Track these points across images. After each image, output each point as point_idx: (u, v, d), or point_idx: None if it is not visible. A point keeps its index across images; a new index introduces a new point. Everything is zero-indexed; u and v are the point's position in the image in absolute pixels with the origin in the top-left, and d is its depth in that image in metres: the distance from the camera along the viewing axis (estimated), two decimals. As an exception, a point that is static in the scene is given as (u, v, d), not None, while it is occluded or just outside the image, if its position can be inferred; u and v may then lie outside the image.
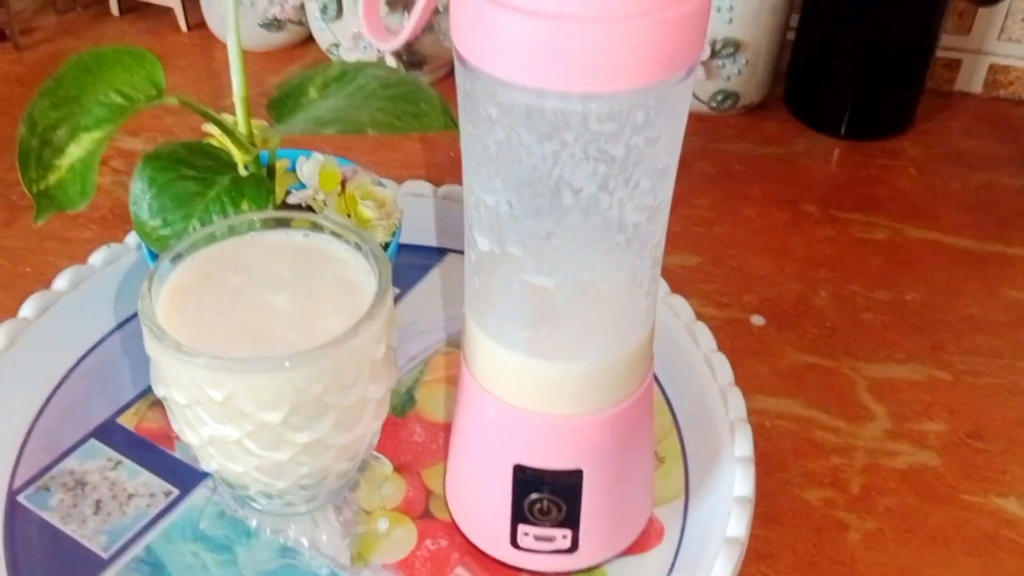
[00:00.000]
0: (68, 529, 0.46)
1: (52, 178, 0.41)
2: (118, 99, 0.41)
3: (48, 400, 0.51)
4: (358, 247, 0.42)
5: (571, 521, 0.43)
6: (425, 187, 0.63)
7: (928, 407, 0.55)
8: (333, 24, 0.74)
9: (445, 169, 0.70)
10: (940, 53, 0.80)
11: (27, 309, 0.53)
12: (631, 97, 0.32)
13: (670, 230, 0.37)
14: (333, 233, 0.42)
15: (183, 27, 0.84)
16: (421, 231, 0.62)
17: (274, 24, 0.80)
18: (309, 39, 0.82)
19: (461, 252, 0.40)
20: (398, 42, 0.39)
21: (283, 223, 0.43)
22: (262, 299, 0.40)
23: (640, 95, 0.32)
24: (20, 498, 0.47)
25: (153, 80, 0.42)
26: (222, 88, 0.78)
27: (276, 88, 0.46)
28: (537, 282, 0.37)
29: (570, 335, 0.38)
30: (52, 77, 0.41)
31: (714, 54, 0.73)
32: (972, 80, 0.82)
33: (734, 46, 0.73)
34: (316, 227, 0.43)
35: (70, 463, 0.49)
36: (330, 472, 0.42)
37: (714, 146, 0.74)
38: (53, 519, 0.47)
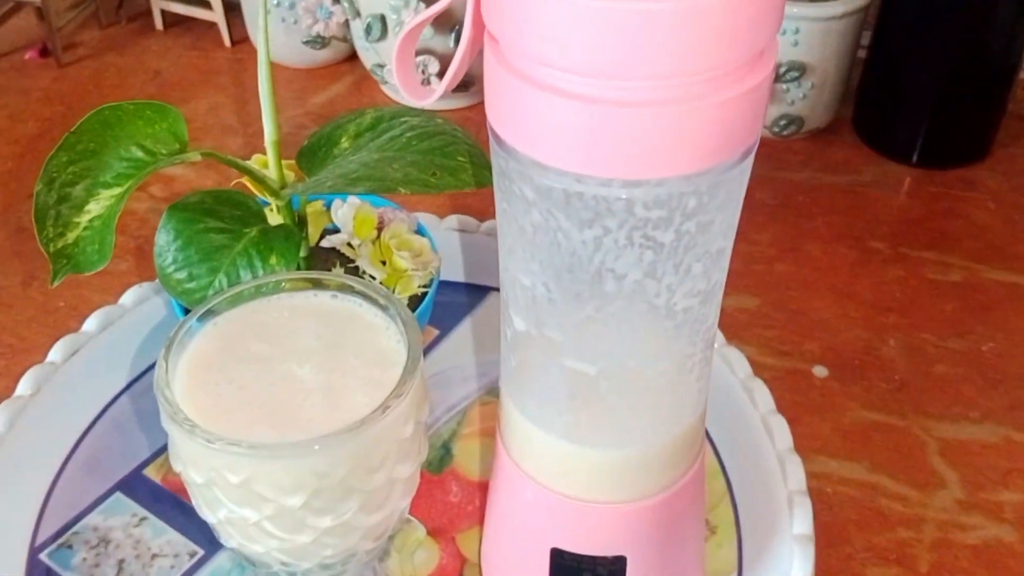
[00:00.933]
0: (89, 592, 0.45)
1: (70, 236, 0.39)
2: (140, 154, 0.39)
3: (74, 449, 0.50)
4: (387, 311, 0.39)
5: (613, 607, 0.40)
6: (468, 222, 0.61)
7: (1005, 474, 0.51)
8: (377, 44, 0.72)
9: (488, 201, 0.67)
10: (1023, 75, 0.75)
11: (55, 353, 0.52)
12: (681, 184, 0.28)
13: (730, 268, 0.34)
14: (363, 295, 0.40)
15: (227, 42, 0.82)
16: (463, 268, 0.59)
17: (318, 41, 0.78)
18: (353, 56, 0.80)
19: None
20: (433, 98, 0.36)
21: (310, 284, 0.41)
22: (286, 371, 0.37)
23: (691, 181, 0.29)
24: (42, 556, 0.46)
25: (176, 134, 0.39)
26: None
27: (307, 137, 0.44)
28: (577, 367, 0.34)
29: (613, 422, 0.35)
30: (71, 131, 0.39)
31: (778, 78, 0.69)
32: (1058, 102, 0.77)
33: (799, 69, 0.69)
34: (345, 288, 0.40)
35: (94, 518, 0.47)
36: (357, 551, 0.39)
37: (776, 174, 0.71)
38: (75, 580, 0.45)
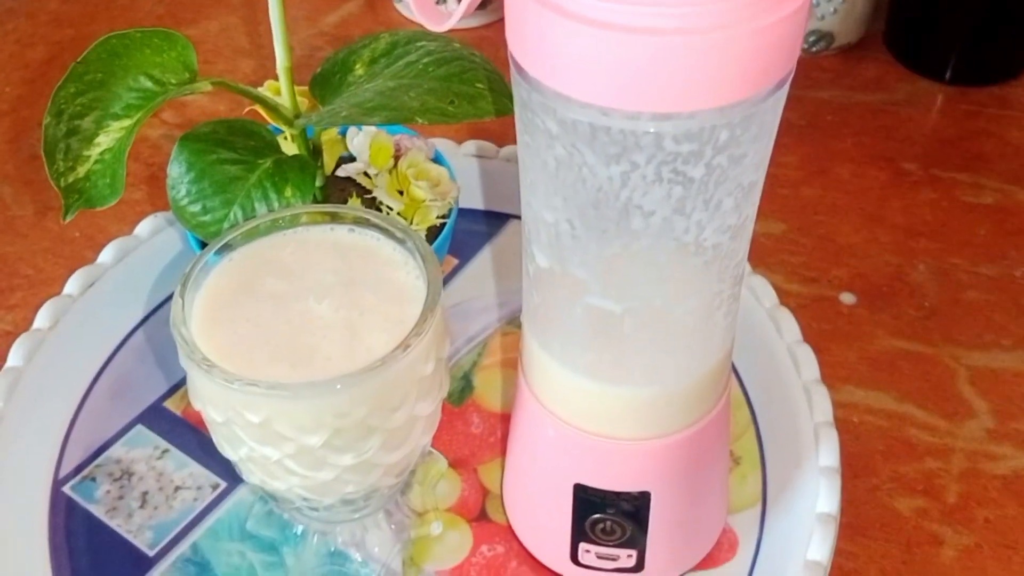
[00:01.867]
0: (114, 524, 0.45)
1: (81, 170, 0.38)
2: (149, 84, 0.38)
3: (94, 382, 0.49)
4: (405, 245, 0.38)
5: (636, 542, 0.40)
6: (487, 147, 0.59)
7: (1036, 403, 0.50)
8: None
9: (508, 125, 0.65)
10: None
11: (72, 285, 0.51)
12: (713, 116, 0.27)
13: None
14: (380, 229, 0.39)
15: (238, -40, 0.80)
16: (482, 194, 0.58)
17: (332, -43, 0.76)
18: (369, -27, 0.77)
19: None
20: (451, 23, 0.35)
21: (328, 217, 0.39)
22: (304, 308, 0.37)
23: (724, 113, 0.27)
24: (65, 488, 0.46)
25: (185, 62, 0.38)
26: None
27: (321, 63, 0.42)
28: (602, 306, 0.33)
29: (638, 361, 0.34)
30: (78, 61, 0.37)
31: (809, -8, 0.66)
32: (1099, 13, 0.74)
33: (831, -17, 0.66)
34: (362, 221, 0.39)
35: (117, 451, 0.47)
36: (378, 487, 0.39)
37: (804, 93, 0.68)
38: (99, 512, 0.45)
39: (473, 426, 0.49)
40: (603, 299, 0.32)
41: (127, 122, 0.38)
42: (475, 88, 0.39)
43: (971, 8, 0.67)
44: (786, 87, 0.29)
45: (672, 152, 0.28)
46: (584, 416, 0.37)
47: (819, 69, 0.70)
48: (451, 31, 0.41)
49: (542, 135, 0.29)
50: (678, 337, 0.34)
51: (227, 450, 0.37)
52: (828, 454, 0.44)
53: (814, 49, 0.70)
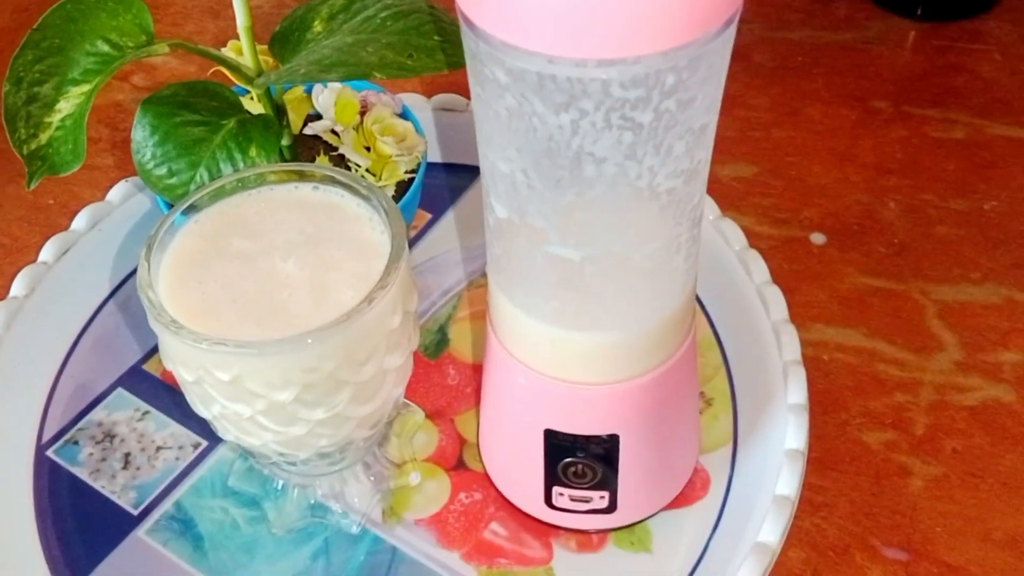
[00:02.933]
0: (98, 485, 0.45)
1: (43, 136, 0.38)
2: (106, 48, 0.38)
3: (72, 347, 0.50)
4: (369, 202, 0.38)
5: (608, 483, 0.41)
6: (456, 100, 0.59)
7: (1005, 334, 0.51)
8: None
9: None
10: (1035, -86, 0.71)
11: (47, 252, 0.52)
12: (658, 61, 0.27)
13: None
14: (345, 186, 0.39)
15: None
16: (454, 148, 0.58)
17: (297, -87, 0.75)
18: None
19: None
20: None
21: (293, 176, 0.40)
22: (270, 267, 0.37)
23: (669, 57, 0.27)
24: (49, 452, 0.47)
25: (142, 25, 0.38)
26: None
27: (280, 21, 0.42)
28: (562, 254, 0.33)
29: (601, 307, 0.35)
30: (34, 28, 0.37)
31: (776, -68, 0.66)
32: (1070, -57, 0.74)
33: (799, -78, 0.65)
34: (327, 179, 0.39)
35: (98, 414, 0.48)
36: (352, 440, 0.40)
37: (774, 35, 0.68)
38: (83, 474, 0.46)
39: (449, 378, 0.49)
40: (562, 247, 0.33)
41: (86, 87, 0.38)
42: (433, 40, 0.39)
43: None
44: (732, 29, 0.29)
45: (620, 98, 0.28)
46: (550, 363, 0.37)
47: (790, 10, 0.70)
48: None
49: (492, 86, 0.30)
50: (638, 282, 0.34)
51: (200, 409, 0.38)
52: (796, 392, 0.45)
53: (784, -11, 0.70)
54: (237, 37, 0.47)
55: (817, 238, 0.56)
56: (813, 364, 0.49)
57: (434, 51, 0.39)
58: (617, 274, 0.34)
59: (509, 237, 0.34)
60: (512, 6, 0.27)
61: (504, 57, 0.28)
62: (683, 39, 0.27)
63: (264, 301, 0.36)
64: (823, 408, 0.48)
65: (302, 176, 0.40)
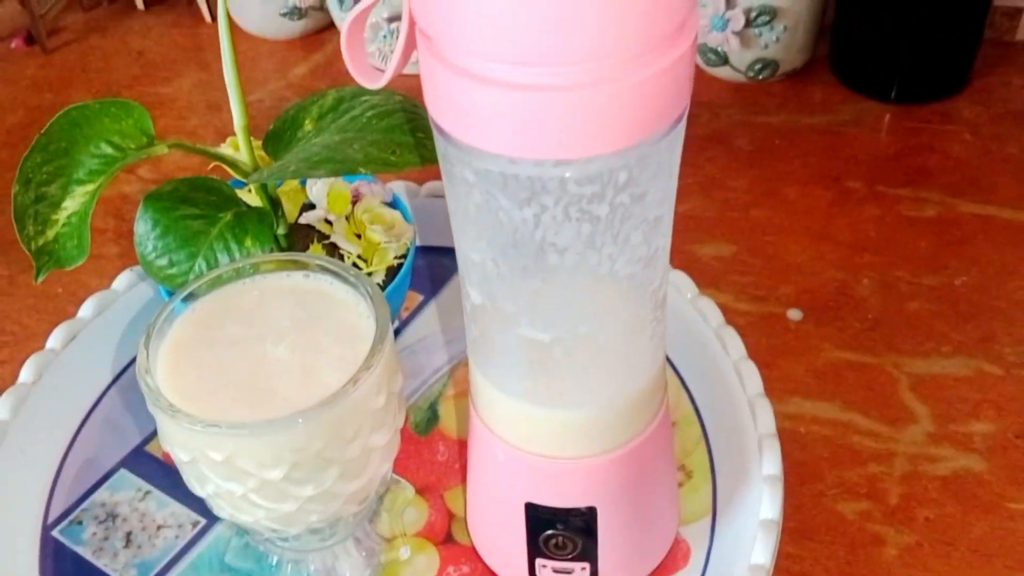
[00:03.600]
0: (101, 564, 0.47)
1: (50, 233, 0.41)
2: (109, 150, 0.41)
3: (78, 430, 0.52)
4: (357, 289, 0.41)
5: (589, 555, 0.42)
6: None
7: (976, 406, 0.53)
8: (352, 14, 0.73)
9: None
10: (1000, 1, 0.75)
11: (54, 340, 0.54)
12: (611, 160, 0.30)
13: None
14: (334, 274, 0.42)
15: (207, 18, 0.83)
16: (447, 232, 0.61)
17: (295, 12, 0.79)
18: (332, 24, 0.81)
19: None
20: (383, 81, 0.37)
21: (286, 265, 0.42)
22: (261, 352, 0.39)
23: (621, 156, 0.30)
24: (54, 532, 0.48)
25: (142, 128, 0.41)
26: (248, 83, 0.77)
27: (273, 120, 0.45)
28: (532, 336, 0.35)
29: (571, 384, 0.37)
30: (42, 132, 0.40)
31: (749, 23, 0.69)
32: (1036, 28, 0.77)
33: (770, 13, 0.69)
34: (317, 267, 0.42)
35: (101, 495, 0.50)
36: (341, 515, 0.42)
37: (753, 119, 0.71)
38: (86, 553, 0.48)
39: (439, 454, 0.51)
40: (532, 329, 0.35)
41: (91, 186, 0.41)
42: (416, 137, 0.42)
43: (912, 27, 0.70)
44: (680, 128, 0.32)
45: (577, 194, 0.31)
46: (527, 438, 0.39)
47: (766, 95, 0.73)
48: (398, 78, 0.44)
49: (462, 184, 0.32)
50: (606, 361, 0.36)
51: (196, 487, 0.40)
52: (771, 463, 0.47)
53: (760, 76, 0.73)
54: (236, 134, 0.50)
55: (794, 314, 0.58)
56: (790, 436, 0.51)
57: (417, 147, 0.42)
58: (585, 354, 0.36)
59: (484, 321, 0.36)
60: (476, 114, 0.29)
61: (471, 158, 0.31)
62: (632, 140, 0.30)
63: (255, 384, 0.38)
64: (800, 479, 0.49)
65: (294, 265, 0.42)
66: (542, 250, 0.32)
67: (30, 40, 0.81)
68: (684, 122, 0.32)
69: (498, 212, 0.32)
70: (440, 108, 0.31)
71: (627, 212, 0.32)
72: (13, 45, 0.82)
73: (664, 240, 0.35)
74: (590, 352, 0.36)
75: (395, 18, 0.71)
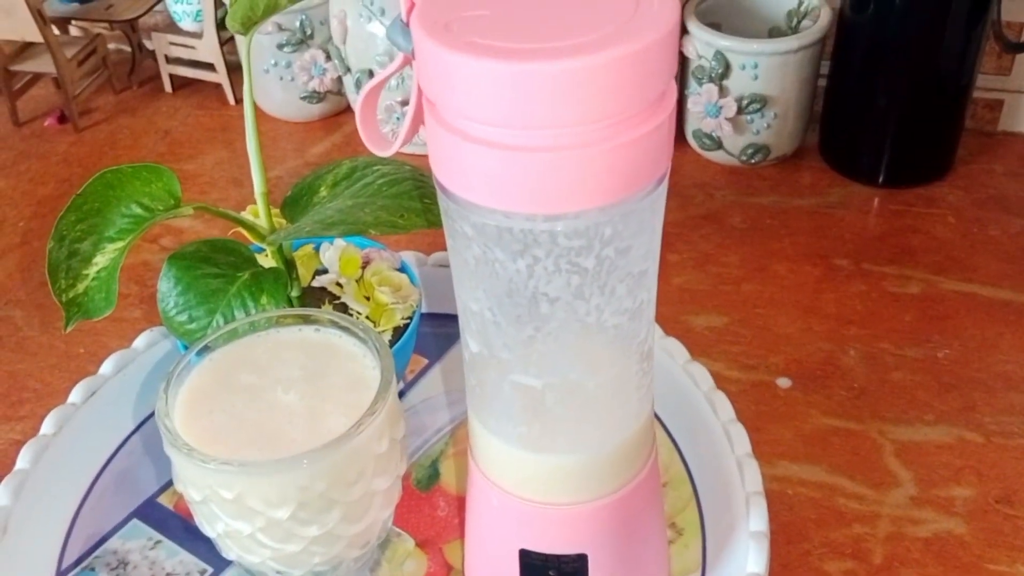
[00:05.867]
0: (110, 609, 0.49)
1: (80, 287, 0.44)
2: (139, 211, 0.44)
3: (94, 481, 0.54)
4: (365, 343, 0.44)
5: (580, 602, 0.44)
6: (453, 258, 0.65)
7: (957, 471, 0.55)
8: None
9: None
10: (981, 94, 0.79)
11: (75, 395, 0.57)
12: (597, 215, 0.33)
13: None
14: (343, 328, 0.44)
15: (231, 101, 0.88)
16: (450, 300, 0.64)
17: (314, 96, 0.83)
18: (348, 108, 0.85)
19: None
20: (393, 150, 0.41)
21: (298, 320, 0.45)
22: (273, 398, 0.42)
23: (606, 212, 0.33)
24: (67, 579, 0.50)
25: (171, 191, 0.44)
26: (268, 160, 0.81)
27: (291, 187, 0.49)
28: (525, 382, 0.38)
29: (563, 430, 0.39)
30: (78, 193, 0.44)
31: (741, 111, 0.73)
32: (1017, 119, 0.81)
33: (761, 101, 0.73)
34: (328, 322, 0.45)
35: (114, 543, 0.52)
36: (343, 559, 0.44)
37: (746, 200, 0.75)
38: (96, 599, 0.49)
39: (439, 510, 0.53)
40: (525, 376, 0.38)
41: (120, 244, 0.44)
42: (423, 203, 0.46)
43: (897, 117, 0.74)
44: (662, 187, 0.35)
45: (566, 247, 0.34)
46: (522, 484, 0.41)
47: (758, 178, 0.77)
48: (408, 156, 0.47)
49: (462, 237, 0.35)
50: (595, 408, 0.39)
51: (206, 528, 0.42)
52: (757, 520, 0.49)
53: (752, 161, 0.77)
54: (255, 203, 0.54)
55: (783, 382, 0.60)
56: (778, 497, 0.53)
57: (424, 212, 0.45)
58: (576, 400, 0.38)
59: (481, 369, 0.39)
60: (474, 173, 0.33)
61: (469, 213, 0.34)
62: (616, 197, 0.33)
63: (266, 428, 0.41)
64: (787, 538, 0.51)
65: (306, 320, 0.45)
66: (535, 299, 0.35)
67: (63, 119, 0.86)
68: (666, 183, 0.35)
69: (494, 263, 0.35)
70: (442, 167, 0.34)
71: (613, 264, 0.35)
72: (47, 123, 0.87)
73: (648, 294, 0.38)
74: (580, 399, 0.38)
75: (407, 102, 0.76)
